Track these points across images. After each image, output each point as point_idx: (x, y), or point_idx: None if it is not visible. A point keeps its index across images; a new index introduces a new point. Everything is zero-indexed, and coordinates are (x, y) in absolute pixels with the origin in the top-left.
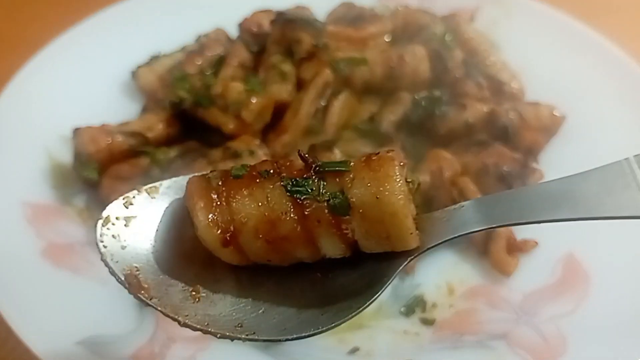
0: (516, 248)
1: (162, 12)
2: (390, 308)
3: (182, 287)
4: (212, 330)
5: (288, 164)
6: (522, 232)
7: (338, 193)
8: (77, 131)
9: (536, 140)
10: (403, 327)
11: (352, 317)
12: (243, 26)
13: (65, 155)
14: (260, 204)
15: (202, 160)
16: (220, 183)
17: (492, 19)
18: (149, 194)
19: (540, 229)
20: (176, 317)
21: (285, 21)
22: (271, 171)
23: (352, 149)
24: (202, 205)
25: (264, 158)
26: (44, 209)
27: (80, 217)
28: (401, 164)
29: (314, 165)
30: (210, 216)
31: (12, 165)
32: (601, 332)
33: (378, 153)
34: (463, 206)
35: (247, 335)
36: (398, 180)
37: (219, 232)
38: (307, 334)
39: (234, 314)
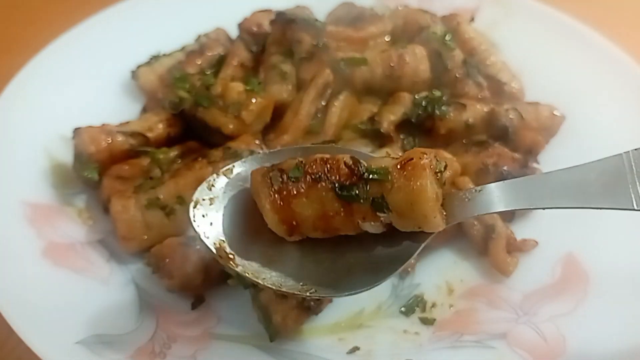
0: (516, 248)
1: (162, 12)
2: (390, 308)
3: (260, 253)
4: (284, 290)
5: (335, 166)
6: (521, 232)
7: (379, 197)
8: (77, 131)
9: (536, 140)
10: (403, 326)
11: (392, 276)
12: (243, 26)
13: (65, 155)
14: (315, 205)
15: (202, 160)
16: (281, 184)
17: (492, 19)
18: (225, 175)
19: (540, 228)
20: (257, 280)
21: (285, 21)
22: (321, 175)
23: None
24: (269, 207)
25: None
26: (44, 209)
27: (80, 217)
28: (431, 167)
29: (359, 173)
30: (276, 217)
31: (12, 165)
32: (600, 332)
33: (412, 159)
34: (486, 188)
35: (310, 292)
36: (429, 190)
37: (285, 226)
38: (358, 290)
39: (299, 274)
